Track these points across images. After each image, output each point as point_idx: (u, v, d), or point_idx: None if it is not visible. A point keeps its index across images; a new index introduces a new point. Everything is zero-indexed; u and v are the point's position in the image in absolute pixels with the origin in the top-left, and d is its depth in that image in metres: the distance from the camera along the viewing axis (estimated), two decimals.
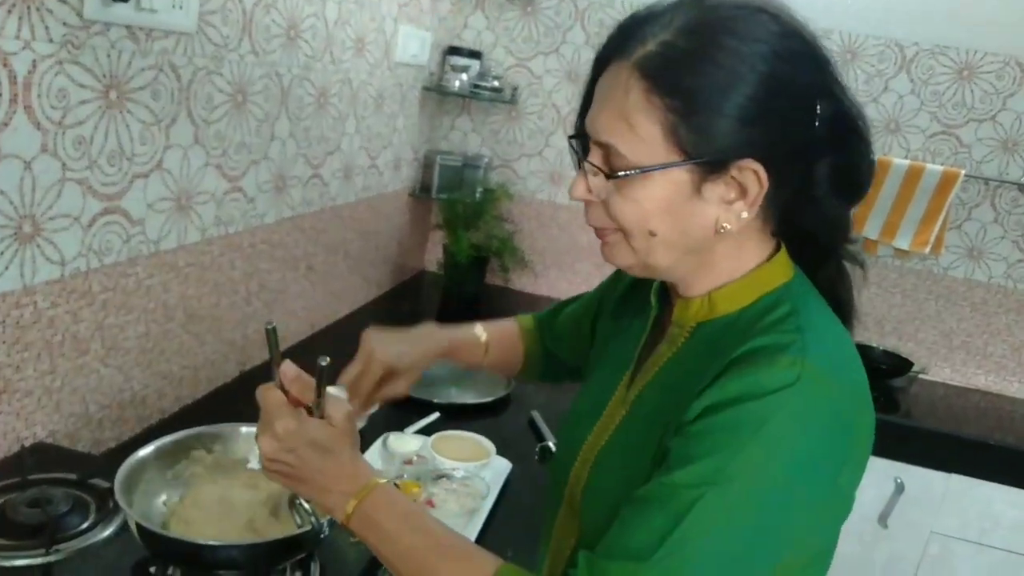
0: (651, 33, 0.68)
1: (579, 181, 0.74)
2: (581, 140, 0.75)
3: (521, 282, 2.71)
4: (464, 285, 2.45)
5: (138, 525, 0.79)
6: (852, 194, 0.75)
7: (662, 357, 0.79)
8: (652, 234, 0.71)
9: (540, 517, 0.94)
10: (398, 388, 0.96)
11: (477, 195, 2.49)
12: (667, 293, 0.82)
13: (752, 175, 0.68)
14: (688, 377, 0.71)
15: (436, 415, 1.61)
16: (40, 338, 1.12)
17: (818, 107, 0.69)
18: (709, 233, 0.71)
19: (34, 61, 1.01)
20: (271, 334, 0.77)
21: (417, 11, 2.22)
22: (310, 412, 0.77)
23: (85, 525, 0.96)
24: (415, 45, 2.24)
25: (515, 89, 2.57)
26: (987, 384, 2.46)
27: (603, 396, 0.83)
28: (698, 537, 0.62)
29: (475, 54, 2.52)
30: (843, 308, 0.79)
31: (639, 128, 0.68)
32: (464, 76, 2.45)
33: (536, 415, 1.68)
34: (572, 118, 2.63)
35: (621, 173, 0.69)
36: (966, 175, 2.27)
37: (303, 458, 0.74)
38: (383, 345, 0.94)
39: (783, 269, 0.76)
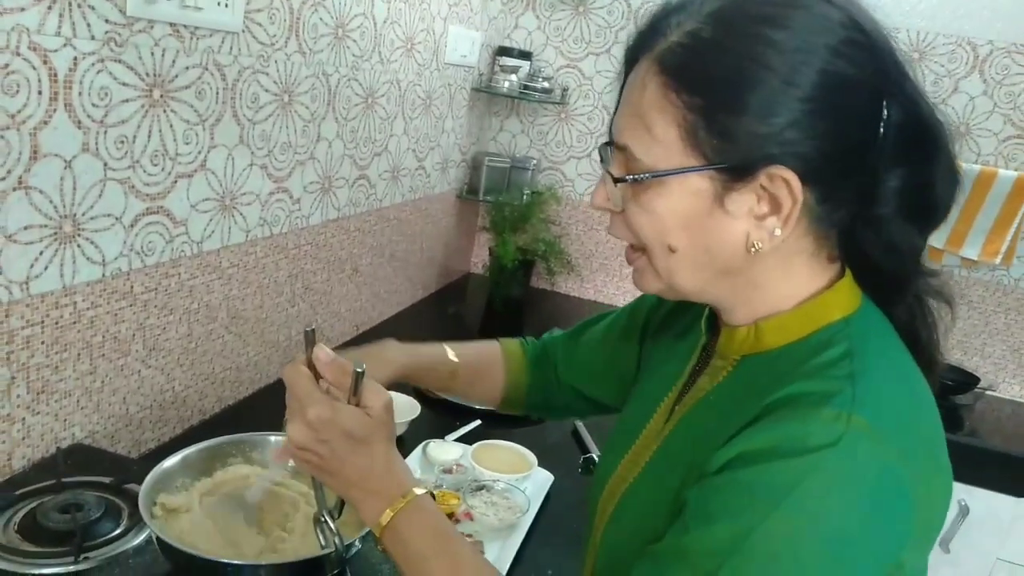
0: (677, 23, 0.60)
1: (598, 188, 0.67)
2: (608, 146, 0.67)
3: (567, 286, 2.66)
4: (510, 288, 2.41)
5: (159, 540, 0.77)
6: (926, 217, 0.63)
7: (701, 391, 0.70)
8: (672, 250, 0.63)
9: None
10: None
11: (524, 197, 2.45)
12: (716, 321, 0.73)
13: (784, 185, 0.58)
14: (722, 417, 0.63)
15: (478, 422, 1.58)
16: (80, 339, 1.12)
17: (884, 111, 0.59)
18: (738, 252, 0.61)
19: (75, 59, 1.00)
20: (310, 336, 0.72)
21: (467, 11, 2.19)
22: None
23: (117, 532, 0.94)
24: (465, 45, 2.21)
25: (565, 90, 2.52)
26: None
27: (639, 424, 0.76)
28: None
29: (525, 55, 2.47)
30: (922, 352, 0.66)
31: (655, 128, 0.60)
32: (514, 77, 2.41)
33: (580, 425, 1.64)
34: None
35: (630, 177, 0.62)
36: None
37: (336, 450, 0.68)
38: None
39: (845, 300, 0.65)
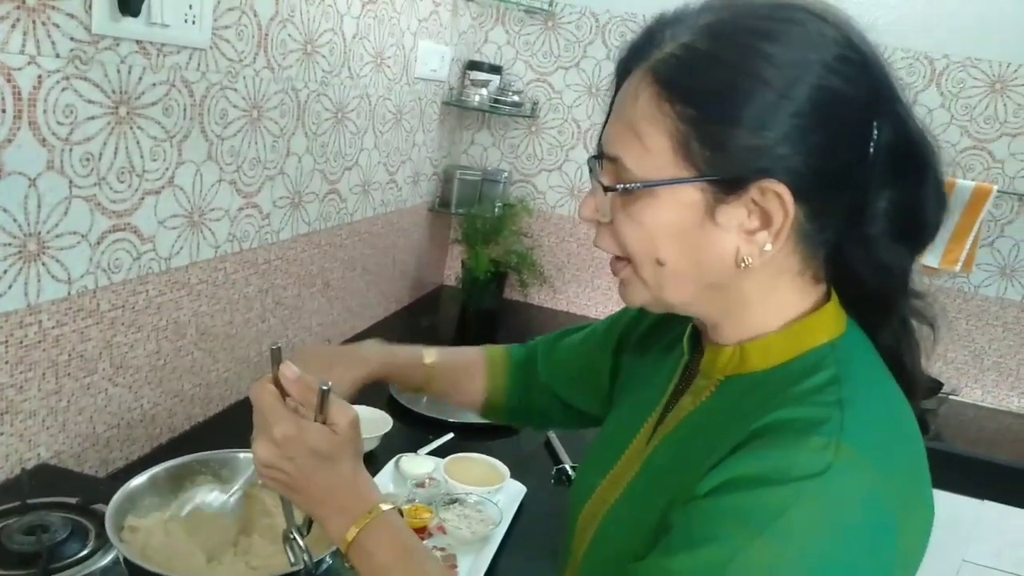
0: (672, 35, 0.60)
1: (587, 200, 0.66)
2: (598, 158, 0.67)
3: (540, 297, 2.68)
4: (483, 300, 2.42)
5: (126, 560, 0.76)
6: (915, 237, 0.63)
7: (683, 410, 0.70)
8: (660, 263, 0.62)
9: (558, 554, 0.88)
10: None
11: (496, 210, 2.46)
12: (699, 339, 0.72)
13: (775, 199, 0.58)
14: (707, 439, 0.62)
15: (451, 435, 1.58)
16: (45, 358, 1.10)
17: (875, 130, 0.59)
18: (727, 266, 0.61)
19: (39, 77, 1.00)
20: (276, 354, 0.73)
21: (437, 26, 2.21)
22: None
23: (84, 552, 0.93)
24: (435, 60, 2.23)
25: (535, 104, 2.54)
26: (1020, 406, 2.38)
27: (620, 443, 0.75)
28: None
29: (495, 68, 2.50)
30: (906, 377, 0.65)
31: (646, 138, 0.60)
32: (484, 91, 2.43)
33: (553, 436, 1.65)
34: (593, 132, 2.61)
35: (620, 186, 0.61)
36: (998, 191, 2.20)
37: (302, 467, 0.68)
38: (302, 362, 0.82)
39: (831, 323, 0.64)
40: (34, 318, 1.07)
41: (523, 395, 1.02)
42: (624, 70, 0.64)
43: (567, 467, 1.51)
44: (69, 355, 1.15)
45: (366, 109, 1.89)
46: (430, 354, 0.98)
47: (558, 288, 2.66)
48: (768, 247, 0.60)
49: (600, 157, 0.65)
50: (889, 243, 0.62)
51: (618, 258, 0.67)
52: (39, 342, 1.09)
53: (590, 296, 2.64)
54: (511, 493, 1.38)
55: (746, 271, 0.61)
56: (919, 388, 0.66)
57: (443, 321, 2.47)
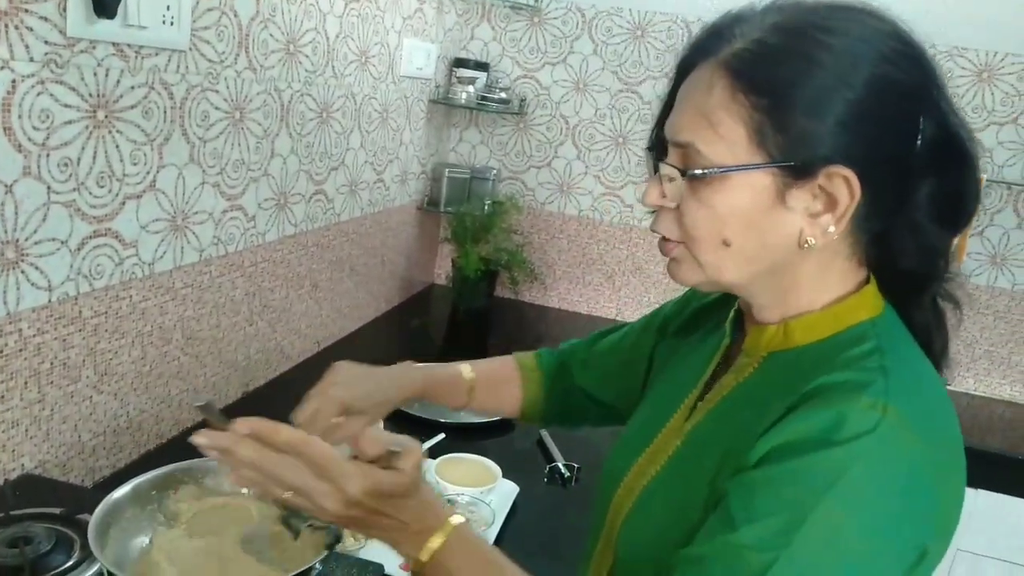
0: (741, 32, 0.64)
1: (653, 186, 0.68)
2: (657, 149, 0.71)
3: (531, 295, 2.67)
4: (474, 299, 2.41)
5: (109, 573, 0.75)
6: (955, 221, 0.67)
7: (727, 387, 0.72)
8: (726, 244, 0.65)
9: (583, 540, 0.87)
10: (351, 428, 0.84)
11: (486, 208, 2.45)
12: (742, 323, 0.75)
13: (843, 183, 0.61)
14: (752, 409, 0.65)
15: (441, 436, 1.57)
16: (26, 366, 1.09)
17: (921, 123, 0.62)
18: (791, 248, 0.64)
19: (13, 81, 0.98)
20: (209, 409, 0.70)
21: (422, 23, 2.19)
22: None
23: (68, 564, 0.92)
24: (420, 58, 2.21)
25: (523, 100, 2.53)
26: (1012, 395, 2.38)
27: (656, 422, 0.77)
28: None
29: (482, 65, 2.48)
30: (936, 355, 0.69)
31: (721, 127, 0.63)
32: (471, 88, 2.41)
33: (545, 434, 1.64)
34: (580, 128, 2.60)
35: (698, 172, 0.64)
36: (988, 180, 2.20)
37: (379, 511, 0.67)
38: (345, 383, 0.88)
39: (871, 303, 0.68)
40: (14, 326, 1.05)
41: (559, 399, 1.05)
42: (688, 64, 0.68)
43: (560, 465, 1.50)
44: (51, 363, 1.13)
45: (351, 108, 1.88)
46: (467, 369, 1.00)
47: (549, 285, 2.65)
48: (831, 229, 0.63)
49: (652, 148, 0.71)
50: (932, 227, 0.65)
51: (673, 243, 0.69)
52: (20, 351, 1.07)
53: (581, 292, 2.64)
54: (504, 493, 1.37)
55: (805, 253, 0.64)
56: (947, 367, 0.71)
57: (433, 321, 2.46)
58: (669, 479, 0.72)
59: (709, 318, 0.84)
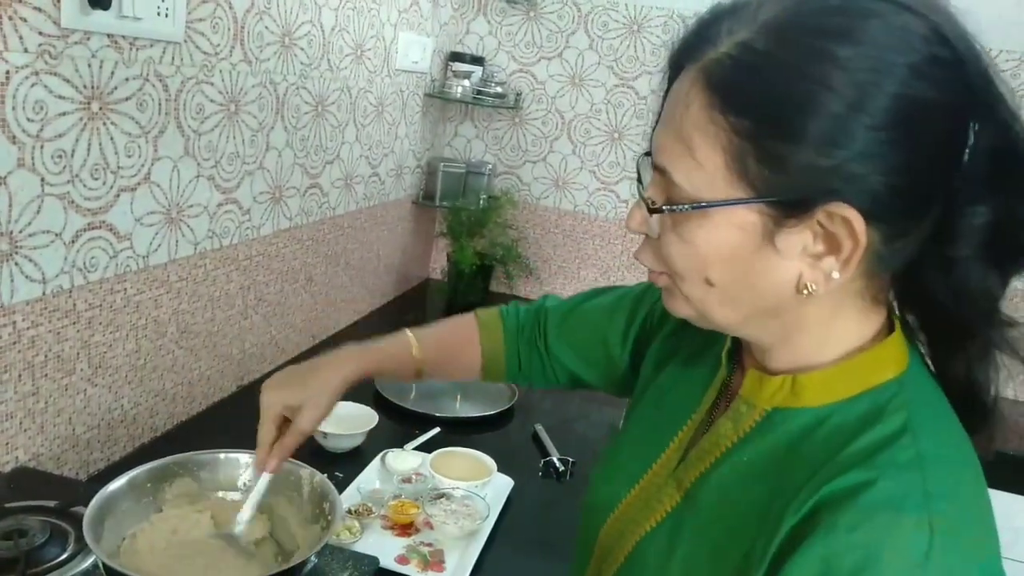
0: (728, 30, 0.52)
1: (634, 211, 0.59)
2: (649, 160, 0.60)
3: (526, 289, 2.67)
4: (469, 293, 2.41)
5: (104, 565, 0.75)
6: (1013, 260, 0.54)
7: (725, 439, 0.63)
8: (710, 283, 0.56)
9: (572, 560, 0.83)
10: (301, 426, 0.85)
11: (481, 202, 2.45)
12: (738, 352, 0.66)
13: (844, 225, 0.51)
14: (766, 485, 0.57)
15: (437, 430, 1.57)
16: (21, 359, 1.08)
17: (971, 136, 0.51)
18: (787, 293, 0.54)
19: (7, 72, 0.97)
20: None
21: (418, 17, 2.18)
22: None
23: (63, 557, 0.91)
24: (416, 51, 2.21)
25: (518, 95, 2.53)
26: (1006, 392, 2.39)
27: (647, 455, 0.70)
28: None
29: (477, 60, 2.48)
30: (973, 412, 0.57)
31: (698, 152, 0.53)
32: (467, 82, 2.41)
33: (540, 429, 1.64)
34: (576, 123, 2.60)
35: (666, 208, 0.55)
36: None
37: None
38: (274, 386, 0.88)
39: (897, 355, 0.57)
40: (8, 319, 1.05)
41: (524, 358, 0.99)
42: (676, 66, 0.56)
43: (555, 460, 1.51)
44: (45, 356, 1.13)
45: (347, 102, 1.87)
46: (416, 341, 0.95)
47: (544, 280, 2.65)
48: (836, 275, 0.53)
49: (649, 155, 0.60)
50: (979, 265, 0.53)
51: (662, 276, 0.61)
52: (14, 343, 1.07)
53: (576, 288, 2.64)
54: (498, 487, 1.37)
55: (810, 297, 0.54)
56: (993, 425, 0.58)
57: (429, 315, 2.45)
58: (669, 542, 0.64)
59: (701, 333, 0.69)
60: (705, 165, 0.53)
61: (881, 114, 0.49)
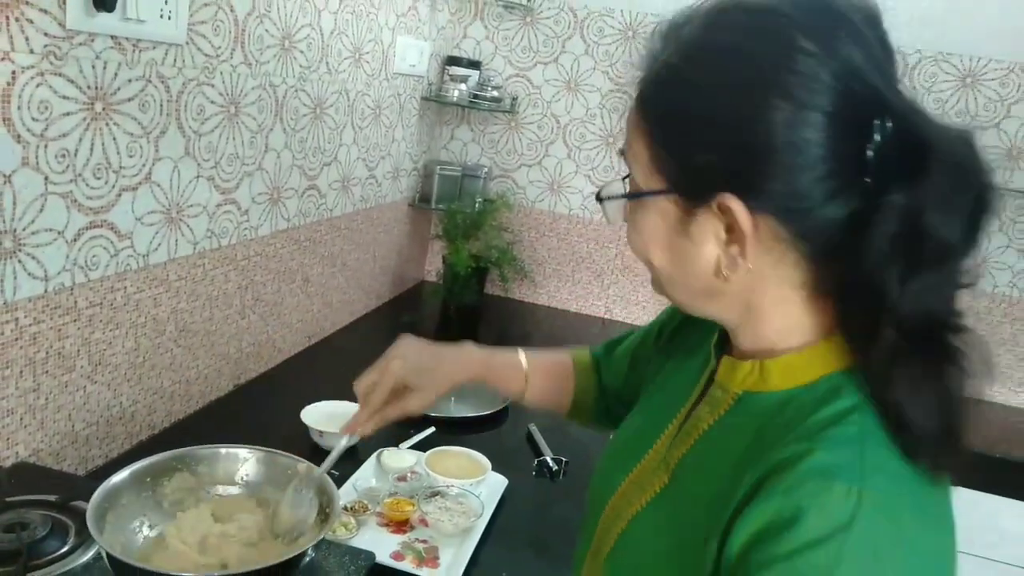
0: (663, 47, 0.62)
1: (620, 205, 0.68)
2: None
3: (521, 292, 2.69)
4: (464, 296, 2.43)
5: (109, 556, 0.76)
6: (914, 253, 0.54)
7: (703, 422, 0.68)
8: (654, 265, 0.65)
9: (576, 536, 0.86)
10: (409, 406, 0.89)
11: (477, 205, 2.47)
12: (726, 344, 0.70)
13: (733, 215, 0.57)
14: (730, 461, 0.61)
15: (432, 429, 1.58)
16: (22, 355, 1.10)
17: (875, 133, 0.54)
18: (709, 275, 0.61)
19: (13, 72, 0.99)
20: None
21: (415, 21, 2.21)
22: None
23: (64, 550, 0.93)
24: (413, 55, 2.23)
25: (514, 99, 2.55)
26: (992, 395, 2.42)
27: (643, 442, 0.74)
28: None
29: (474, 64, 2.50)
30: (913, 440, 0.55)
31: (635, 151, 0.63)
32: (463, 86, 2.43)
33: (534, 429, 1.66)
34: (571, 127, 2.62)
35: (612, 196, 0.66)
36: None
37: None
38: (405, 359, 0.90)
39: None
40: (10, 315, 1.06)
41: (602, 397, 1.02)
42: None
43: (548, 459, 1.52)
44: (47, 353, 1.14)
45: (344, 105, 1.89)
46: (524, 359, 0.99)
47: (539, 283, 2.67)
48: (740, 260, 0.59)
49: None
50: (879, 259, 0.54)
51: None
52: (16, 340, 1.08)
53: (571, 291, 2.66)
54: (493, 485, 1.39)
55: (746, 284, 0.60)
56: (936, 452, 0.55)
57: (424, 317, 2.47)
58: (653, 522, 0.69)
59: (696, 328, 0.79)
60: (640, 161, 0.62)
61: (764, 119, 0.55)
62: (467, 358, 0.95)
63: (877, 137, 0.55)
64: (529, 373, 0.98)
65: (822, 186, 0.56)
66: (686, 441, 0.69)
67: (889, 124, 0.55)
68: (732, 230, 0.58)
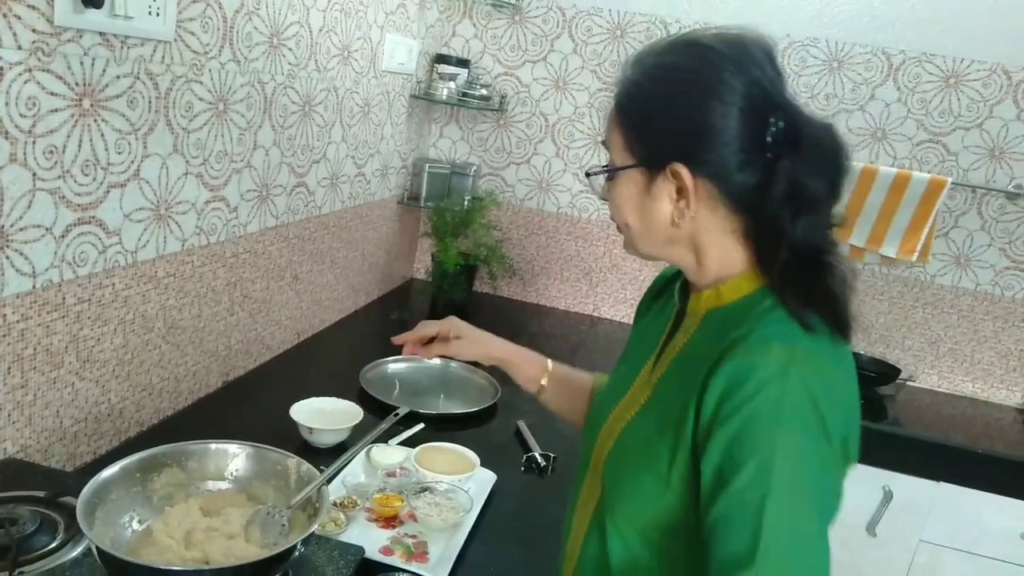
0: (630, 71, 0.86)
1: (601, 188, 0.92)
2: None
3: (509, 290, 2.70)
4: (453, 293, 2.43)
5: (99, 550, 0.77)
6: (807, 206, 0.79)
7: (678, 343, 0.88)
8: (629, 226, 0.87)
9: (572, 479, 1.01)
10: (455, 348, 1.16)
11: (465, 203, 2.47)
12: (687, 294, 0.91)
13: (680, 177, 0.81)
14: (698, 360, 0.80)
15: (421, 425, 1.59)
16: (10, 351, 1.10)
17: (772, 124, 0.78)
18: (666, 225, 0.84)
19: (1, 68, 0.99)
20: None
21: (404, 19, 2.21)
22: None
23: (53, 545, 0.93)
24: (402, 53, 2.23)
25: (503, 97, 2.56)
26: (974, 391, 2.46)
27: (631, 375, 0.93)
28: (781, 523, 0.70)
29: (463, 62, 2.51)
30: (832, 319, 0.80)
31: (612, 139, 0.87)
32: (452, 84, 2.44)
33: (523, 425, 1.67)
34: (560, 126, 2.64)
35: (596, 171, 0.89)
36: (953, 183, 2.27)
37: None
38: (461, 323, 1.20)
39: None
40: None
41: None
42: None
43: (536, 455, 1.54)
44: (34, 349, 1.14)
45: (333, 102, 1.89)
46: (550, 363, 1.20)
47: (527, 281, 2.68)
48: (687, 211, 0.83)
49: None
50: (777, 208, 0.79)
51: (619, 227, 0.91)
52: (3, 336, 1.08)
53: (559, 288, 2.67)
54: (481, 481, 1.40)
55: (692, 229, 0.84)
56: (844, 332, 0.82)
57: (413, 314, 2.48)
58: (643, 422, 0.88)
59: (668, 289, 1.00)
60: (616, 146, 0.86)
61: (701, 113, 0.79)
62: (496, 339, 1.20)
63: (772, 128, 0.79)
64: (550, 375, 1.19)
65: (738, 158, 0.79)
66: (664, 362, 0.89)
67: (780, 119, 0.79)
68: (680, 190, 0.82)
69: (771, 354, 0.74)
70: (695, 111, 0.79)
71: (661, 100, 0.83)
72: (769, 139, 0.78)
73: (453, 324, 1.18)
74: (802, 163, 0.78)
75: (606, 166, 0.89)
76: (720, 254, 0.85)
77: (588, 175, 0.91)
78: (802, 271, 0.80)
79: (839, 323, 0.80)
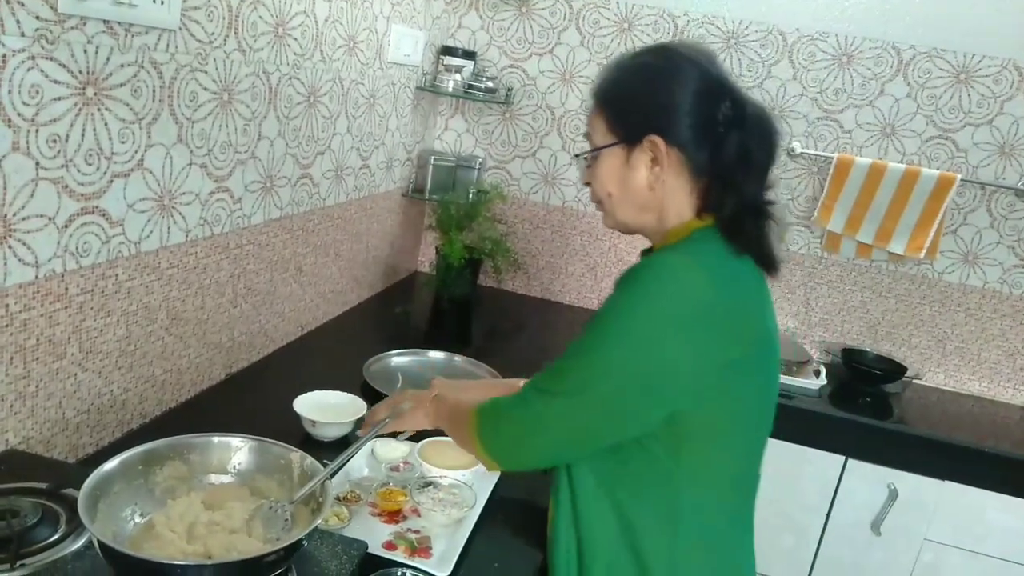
0: (608, 71, 1.05)
1: (581, 171, 1.10)
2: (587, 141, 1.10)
3: (514, 284, 2.69)
4: (457, 287, 2.42)
5: (101, 543, 0.76)
6: (752, 170, 0.99)
7: None
8: (610, 195, 1.04)
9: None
10: (404, 423, 1.28)
11: (470, 196, 2.46)
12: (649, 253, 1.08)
13: (656, 146, 0.98)
14: None
15: None
16: (12, 342, 1.09)
17: (722, 108, 0.97)
18: (644, 190, 1.01)
19: (4, 56, 0.98)
20: None
21: (410, 10, 2.19)
22: None
23: (55, 537, 0.92)
24: (408, 44, 2.22)
25: (509, 90, 2.54)
26: (981, 390, 2.44)
27: None
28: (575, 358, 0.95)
29: (469, 54, 2.49)
30: (761, 258, 1.01)
31: (595, 125, 1.05)
32: (458, 76, 2.42)
33: None
34: (566, 119, 2.63)
35: (583, 153, 1.06)
36: (962, 180, 2.25)
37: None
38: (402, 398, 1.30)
39: (707, 219, 1.01)
40: (0, 302, 1.05)
41: None
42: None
43: None
44: (37, 339, 1.13)
45: (339, 93, 1.88)
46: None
47: (532, 274, 2.67)
48: (661, 176, 0.99)
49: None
50: (730, 169, 0.97)
51: (598, 204, 1.08)
52: (6, 326, 1.07)
53: (564, 282, 2.66)
54: (485, 476, 1.39)
55: (661, 194, 1.01)
56: (772, 267, 1.02)
57: (417, 308, 2.47)
58: None
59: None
60: (600, 130, 1.04)
61: (669, 94, 0.98)
62: (417, 392, 1.33)
63: (724, 109, 0.97)
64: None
65: (699, 132, 0.98)
66: None
67: (729, 101, 0.97)
68: (655, 159, 0.99)
69: (664, 255, 0.94)
70: (663, 93, 0.98)
71: (637, 87, 1.01)
72: (720, 116, 0.97)
73: (397, 399, 1.29)
74: (747, 136, 0.97)
75: (592, 150, 1.05)
76: (678, 211, 1.02)
77: (577, 156, 1.07)
78: (747, 218, 0.98)
79: (767, 258, 1.00)
